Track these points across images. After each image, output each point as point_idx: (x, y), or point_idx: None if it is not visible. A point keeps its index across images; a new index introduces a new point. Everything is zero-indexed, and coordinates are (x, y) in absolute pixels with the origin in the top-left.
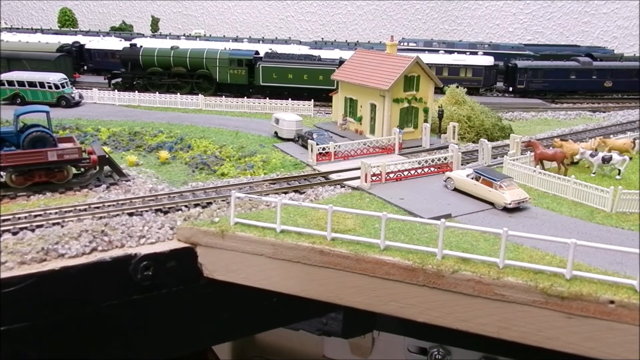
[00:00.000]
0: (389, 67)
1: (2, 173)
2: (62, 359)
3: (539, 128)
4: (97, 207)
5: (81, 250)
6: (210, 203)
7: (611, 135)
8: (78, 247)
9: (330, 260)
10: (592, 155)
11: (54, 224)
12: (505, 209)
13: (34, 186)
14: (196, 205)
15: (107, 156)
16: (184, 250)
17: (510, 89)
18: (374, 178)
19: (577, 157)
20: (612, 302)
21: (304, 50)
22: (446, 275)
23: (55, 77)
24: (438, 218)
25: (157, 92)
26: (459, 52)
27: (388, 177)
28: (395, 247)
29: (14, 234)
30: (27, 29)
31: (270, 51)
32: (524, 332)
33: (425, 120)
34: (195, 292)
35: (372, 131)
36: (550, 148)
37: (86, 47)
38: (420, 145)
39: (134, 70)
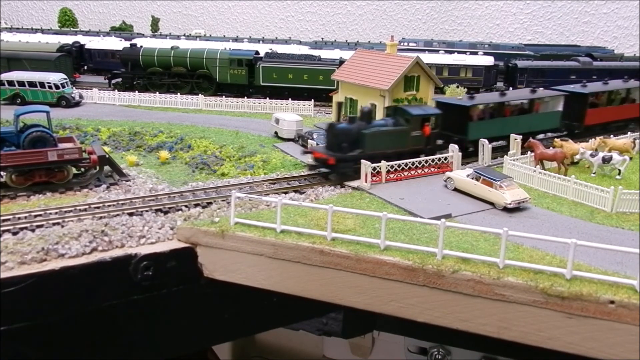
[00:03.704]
0: (389, 67)
1: (2, 173)
2: (62, 359)
3: None
4: (97, 207)
5: (81, 250)
6: (211, 203)
7: (611, 135)
8: (78, 247)
9: (331, 260)
10: (592, 155)
11: (54, 224)
12: (506, 209)
13: (34, 186)
14: (196, 205)
15: (107, 156)
16: (184, 250)
17: (511, 89)
18: (374, 178)
19: (577, 157)
20: (612, 302)
21: (304, 50)
22: (446, 275)
23: (56, 77)
24: (438, 218)
25: (157, 92)
26: (459, 52)
27: (388, 177)
28: (395, 247)
29: (14, 234)
30: (27, 29)
31: (270, 51)
32: (524, 332)
33: None
34: (195, 292)
35: None
36: (551, 148)
37: (86, 47)
38: None
39: (134, 70)
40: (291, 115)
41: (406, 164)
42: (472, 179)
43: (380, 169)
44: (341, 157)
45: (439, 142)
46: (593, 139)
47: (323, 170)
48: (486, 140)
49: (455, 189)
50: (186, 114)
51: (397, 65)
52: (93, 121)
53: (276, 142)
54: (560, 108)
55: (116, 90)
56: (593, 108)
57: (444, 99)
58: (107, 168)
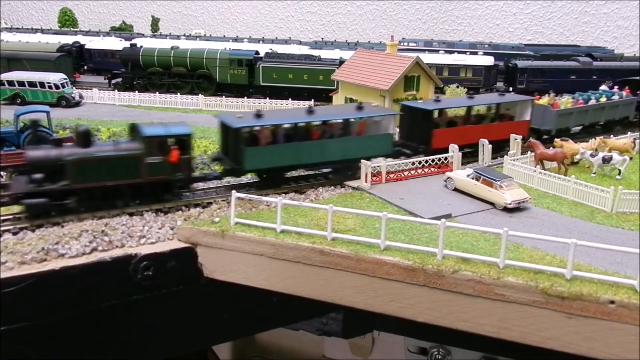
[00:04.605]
0: (389, 67)
1: (2, 173)
2: (62, 359)
3: None
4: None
5: (81, 250)
6: (211, 203)
7: (611, 135)
8: (78, 247)
9: (331, 260)
10: (592, 155)
11: (54, 224)
12: (506, 209)
13: None
14: (196, 205)
15: None
16: (184, 250)
17: (510, 89)
18: (374, 178)
19: (578, 157)
20: (612, 302)
21: (304, 50)
22: (446, 275)
23: (55, 77)
24: (438, 218)
25: (157, 92)
26: (459, 52)
27: (388, 177)
28: (395, 247)
29: (14, 234)
30: (27, 29)
31: (270, 51)
32: (524, 332)
33: None
34: (195, 292)
35: None
36: (551, 148)
37: (86, 47)
38: None
39: (134, 70)
40: None
41: (406, 164)
42: (472, 179)
43: (380, 169)
44: (27, 191)
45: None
46: (593, 139)
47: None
48: (486, 140)
49: (455, 189)
50: (186, 114)
51: (397, 65)
52: (93, 121)
53: None
54: (392, 130)
55: (116, 90)
56: (448, 127)
57: (222, 117)
58: None
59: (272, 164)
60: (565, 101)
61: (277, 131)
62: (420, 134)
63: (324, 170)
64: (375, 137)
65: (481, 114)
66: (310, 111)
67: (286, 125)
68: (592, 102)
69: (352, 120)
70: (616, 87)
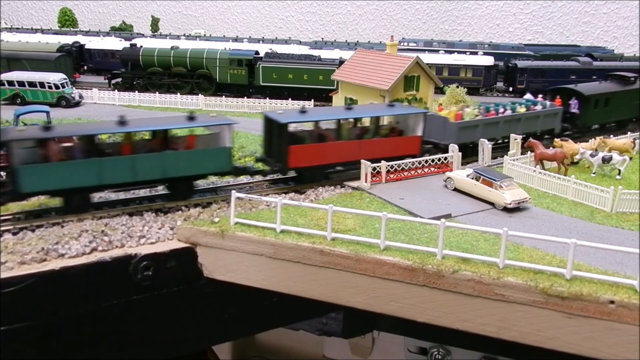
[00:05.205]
0: (389, 67)
1: (2, 173)
2: (62, 359)
3: None
4: (97, 207)
5: (81, 250)
6: (210, 203)
7: (611, 135)
8: (78, 247)
9: (331, 260)
10: (592, 155)
11: (53, 224)
12: (506, 209)
13: None
14: (196, 205)
15: None
16: (184, 250)
17: (510, 89)
18: (374, 178)
19: (577, 157)
20: (612, 302)
21: (304, 50)
22: (446, 275)
23: (55, 77)
24: (438, 218)
25: (157, 92)
26: (459, 52)
27: (388, 177)
28: (395, 247)
29: (14, 234)
30: (27, 29)
31: (270, 51)
32: (524, 332)
33: None
34: (195, 292)
35: None
36: (550, 148)
37: (86, 47)
38: None
39: (134, 70)
40: None
41: (406, 164)
42: (472, 179)
43: (380, 169)
44: None
45: None
46: (593, 139)
47: None
48: (486, 140)
49: (455, 189)
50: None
51: (397, 65)
52: (93, 121)
53: None
54: (228, 143)
55: (116, 90)
56: (319, 142)
57: (4, 130)
58: None
59: (62, 185)
60: (470, 112)
61: (73, 146)
62: (277, 150)
63: (153, 192)
64: (207, 152)
65: (363, 128)
66: (121, 122)
67: (87, 140)
68: (508, 112)
69: (175, 132)
70: (540, 96)
